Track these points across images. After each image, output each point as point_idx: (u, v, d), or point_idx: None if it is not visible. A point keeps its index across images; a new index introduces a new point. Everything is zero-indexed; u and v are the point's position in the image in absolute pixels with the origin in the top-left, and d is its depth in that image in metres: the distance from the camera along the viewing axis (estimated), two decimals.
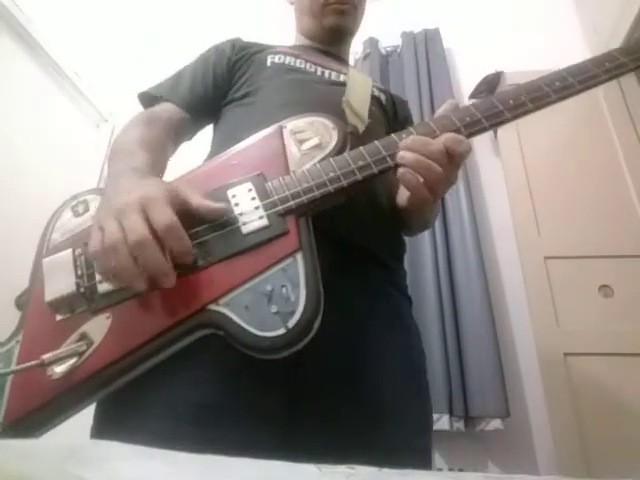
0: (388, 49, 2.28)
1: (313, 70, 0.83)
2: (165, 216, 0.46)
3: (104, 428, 0.51)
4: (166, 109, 0.76)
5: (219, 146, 0.71)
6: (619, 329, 1.54)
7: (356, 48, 2.17)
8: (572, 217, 1.74)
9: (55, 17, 1.97)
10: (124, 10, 2.44)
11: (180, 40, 2.35)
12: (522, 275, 1.73)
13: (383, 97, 0.89)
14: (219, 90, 0.82)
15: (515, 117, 0.58)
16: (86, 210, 0.61)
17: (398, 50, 2.27)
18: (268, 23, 2.01)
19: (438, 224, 1.80)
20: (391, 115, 0.90)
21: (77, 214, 0.61)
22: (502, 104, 0.58)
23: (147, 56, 2.39)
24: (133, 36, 2.45)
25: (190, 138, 0.84)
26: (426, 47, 2.20)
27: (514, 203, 1.86)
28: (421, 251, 1.76)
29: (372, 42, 2.24)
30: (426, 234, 1.78)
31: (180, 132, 0.77)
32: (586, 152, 1.83)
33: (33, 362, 0.45)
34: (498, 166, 1.93)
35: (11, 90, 1.70)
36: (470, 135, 0.57)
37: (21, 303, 0.56)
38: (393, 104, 0.93)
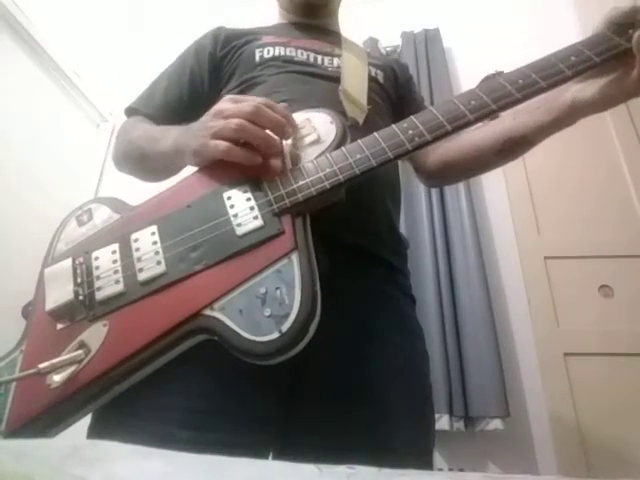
0: (388, 49, 2.28)
1: (305, 58, 0.79)
2: (254, 100, 0.55)
3: (100, 429, 0.51)
4: (144, 120, 0.76)
5: None
6: (619, 329, 1.54)
7: None
8: (572, 217, 1.74)
9: (55, 17, 1.97)
10: (124, 10, 2.44)
11: (181, 40, 2.35)
12: (522, 275, 1.73)
13: (381, 75, 0.85)
14: (195, 89, 0.79)
15: (525, 98, 0.53)
16: (90, 219, 0.61)
17: (398, 50, 2.27)
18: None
19: (438, 224, 1.80)
20: (393, 89, 0.85)
21: (81, 223, 0.61)
22: (510, 84, 0.54)
23: (147, 56, 2.39)
24: (133, 36, 2.45)
25: None
26: (426, 47, 2.19)
27: (514, 203, 1.86)
28: (421, 251, 1.76)
29: (372, 42, 2.23)
30: (426, 234, 1.78)
31: None
32: (586, 152, 1.83)
33: (29, 371, 0.45)
34: None
35: (11, 90, 1.70)
36: (476, 120, 0.54)
37: (27, 312, 0.56)
38: (395, 77, 0.88)
